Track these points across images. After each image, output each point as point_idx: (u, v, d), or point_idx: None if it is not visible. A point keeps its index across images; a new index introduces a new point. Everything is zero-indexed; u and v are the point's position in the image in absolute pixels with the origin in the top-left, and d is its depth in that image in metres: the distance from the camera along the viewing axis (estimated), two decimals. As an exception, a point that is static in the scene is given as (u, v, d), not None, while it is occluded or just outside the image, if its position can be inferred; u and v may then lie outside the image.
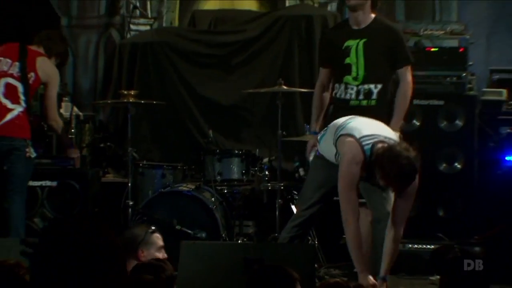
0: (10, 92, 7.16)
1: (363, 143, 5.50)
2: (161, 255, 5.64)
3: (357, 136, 5.55)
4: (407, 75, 6.57)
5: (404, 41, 6.83)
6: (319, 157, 6.26)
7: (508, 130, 8.09)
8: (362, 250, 6.10)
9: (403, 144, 5.54)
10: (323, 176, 6.20)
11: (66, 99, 8.94)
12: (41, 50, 7.36)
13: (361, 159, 5.55)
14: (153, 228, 5.91)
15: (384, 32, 6.51)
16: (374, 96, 6.45)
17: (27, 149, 7.14)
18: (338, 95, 6.59)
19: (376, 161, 5.45)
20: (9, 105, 7.16)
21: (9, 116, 7.14)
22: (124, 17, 9.79)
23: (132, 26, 9.71)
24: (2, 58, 7.27)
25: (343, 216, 5.84)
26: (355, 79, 6.52)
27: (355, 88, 6.52)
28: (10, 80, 7.17)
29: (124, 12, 9.81)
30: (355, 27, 6.59)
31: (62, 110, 8.77)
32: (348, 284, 3.85)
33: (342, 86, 6.58)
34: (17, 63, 7.19)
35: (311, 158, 6.66)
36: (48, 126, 7.48)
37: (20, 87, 7.17)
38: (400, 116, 6.53)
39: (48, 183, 8.03)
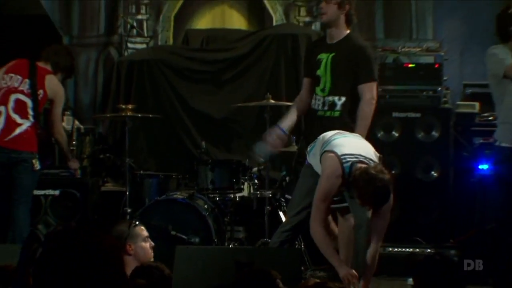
0: (20, 108, 7.17)
1: (344, 160, 5.54)
2: (148, 244, 5.64)
3: (339, 153, 5.60)
4: (367, 92, 6.51)
5: (370, 60, 6.77)
6: (308, 166, 6.27)
7: (481, 141, 8.08)
8: (331, 247, 6.13)
9: (379, 167, 5.59)
10: (311, 184, 6.13)
11: (68, 113, 8.99)
12: (48, 66, 7.35)
13: (340, 175, 5.61)
14: (135, 221, 5.95)
15: (352, 48, 6.48)
16: (338, 108, 6.44)
17: (33, 161, 7.19)
18: (311, 105, 6.64)
19: (353, 182, 5.52)
20: (18, 120, 7.17)
21: (18, 131, 7.16)
22: (122, 36, 9.81)
23: (129, 45, 9.73)
24: (13, 75, 7.27)
25: (311, 222, 5.90)
26: (322, 90, 6.54)
27: (321, 99, 6.54)
28: (20, 96, 7.17)
29: (122, 32, 9.83)
30: (328, 42, 6.62)
31: (64, 124, 8.77)
32: (328, 284, 3.80)
33: (314, 97, 6.63)
34: (27, 80, 7.19)
35: (265, 147, 6.76)
36: (54, 139, 7.48)
37: (29, 103, 7.18)
38: (360, 132, 6.49)
39: (51, 192, 8.05)
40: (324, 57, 6.56)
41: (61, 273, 2.45)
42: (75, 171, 7.68)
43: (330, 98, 6.52)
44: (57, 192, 8.08)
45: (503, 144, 6.45)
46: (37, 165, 7.17)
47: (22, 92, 7.19)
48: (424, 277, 4.31)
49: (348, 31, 6.62)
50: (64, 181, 8.07)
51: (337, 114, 6.47)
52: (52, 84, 7.26)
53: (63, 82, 8.20)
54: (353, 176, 5.66)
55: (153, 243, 5.70)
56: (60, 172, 8.19)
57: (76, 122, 8.96)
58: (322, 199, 5.85)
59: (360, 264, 6.19)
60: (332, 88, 6.48)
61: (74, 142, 8.75)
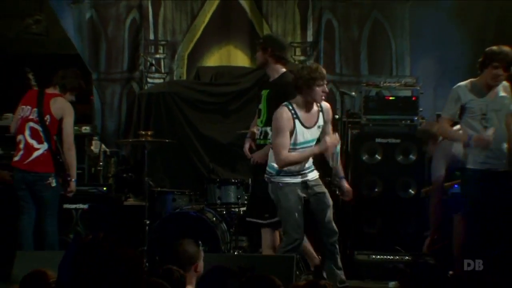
0: (34, 134, 7.19)
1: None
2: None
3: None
4: None
5: (289, 93, 6.67)
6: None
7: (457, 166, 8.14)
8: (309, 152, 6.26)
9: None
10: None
11: (96, 138, 9.01)
12: (56, 90, 7.28)
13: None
14: (200, 244, 5.93)
15: (283, 85, 6.45)
16: (269, 137, 6.45)
17: (50, 179, 7.22)
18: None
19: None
20: (35, 145, 7.19)
21: (35, 154, 7.17)
22: (142, 72, 9.77)
23: (148, 80, 9.70)
24: (24, 106, 7.30)
25: (278, 157, 6.09)
26: (261, 122, 6.63)
27: (260, 129, 6.64)
28: (32, 124, 7.18)
29: (142, 68, 9.79)
30: (268, 80, 6.72)
31: (92, 147, 8.83)
32: (320, 282, 3.75)
33: (257, 128, 6.77)
34: (35, 109, 7.18)
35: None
36: (63, 151, 7.29)
37: (40, 129, 7.19)
38: None
39: (81, 205, 8.07)
40: (264, 93, 6.65)
41: (89, 276, 2.46)
42: (69, 192, 7.38)
43: (264, 128, 6.59)
44: (86, 206, 8.14)
45: (468, 166, 6.52)
46: (53, 182, 7.19)
47: (33, 120, 7.19)
48: (410, 280, 4.33)
49: (283, 70, 6.63)
50: (92, 197, 8.11)
51: (268, 142, 6.49)
52: (57, 105, 7.19)
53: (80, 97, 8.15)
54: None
55: None
56: (89, 189, 8.22)
57: (103, 146, 9.01)
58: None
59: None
60: (267, 120, 6.52)
61: (101, 163, 8.80)
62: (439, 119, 6.81)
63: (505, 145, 6.44)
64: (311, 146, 6.26)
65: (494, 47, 6.40)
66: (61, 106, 7.22)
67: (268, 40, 7.24)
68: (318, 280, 3.98)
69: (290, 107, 6.19)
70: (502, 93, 6.49)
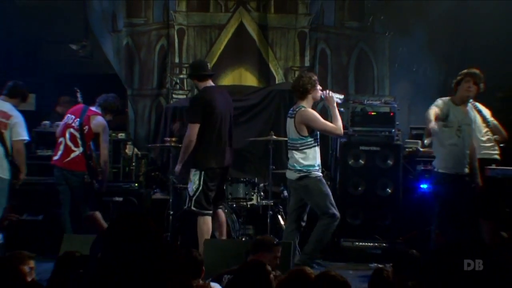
0: (73, 139, 7.31)
1: None
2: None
3: None
4: (188, 129, 6.74)
5: (190, 106, 7.02)
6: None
7: (422, 168, 8.17)
8: None
9: None
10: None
11: (129, 143, 9.05)
12: (98, 110, 7.48)
13: None
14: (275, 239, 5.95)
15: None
16: None
17: (85, 176, 7.29)
18: None
19: None
20: (72, 147, 7.32)
21: (72, 155, 7.33)
22: (169, 90, 9.78)
23: (174, 95, 9.72)
24: (69, 115, 7.43)
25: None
26: None
27: None
28: (72, 130, 7.34)
29: (169, 86, 9.79)
30: None
31: (126, 150, 8.88)
32: (330, 272, 3.60)
33: None
34: (77, 119, 7.33)
35: None
36: (99, 161, 7.47)
37: (78, 135, 7.32)
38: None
39: (116, 198, 8.16)
40: None
41: (124, 246, 2.42)
42: (100, 187, 7.55)
43: None
44: (120, 199, 8.18)
45: (439, 170, 6.56)
46: (87, 179, 7.33)
47: (73, 127, 7.33)
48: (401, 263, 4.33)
49: (204, 85, 6.81)
50: (126, 191, 8.18)
51: None
52: (95, 122, 7.37)
53: (117, 117, 8.22)
54: None
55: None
56: (123, 185, 8.29)
57: (135, 150, 9.05)
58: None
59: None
60: None
61: (133, 164, 8.84)
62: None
63: (467, 153, 6.51)
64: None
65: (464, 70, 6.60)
66: (99, 124, 7.39)
67: (189, 69, 7.35)
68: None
69: (304, 108, 6.57)
70: (471, 112, 6.60)
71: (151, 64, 9.90)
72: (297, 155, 6.71)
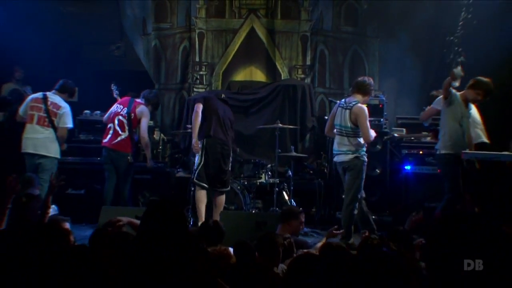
0: (120, 124, 7.37)
1: None
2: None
3: None
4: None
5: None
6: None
7: (406, 152, 8.16)
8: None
9: None
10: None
11: (157, 129, 9.08)
12: (142, 101, 7.56)
13: None
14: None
15: None
16: None
17: (128, 157, 7.32)
18: None
19: None
20: (120, 132, 7.37)
21: (119, 138, 7.37)
22: (190, 84, 9.76)
23: (194, 89, 9.71)
24: (118, 105, 7.50)
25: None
26: None
27: None
28: (120, 117, 7.40)
29: (190, 81, 9.78)
30: None
31: (154, 136, 8.89)
32: (347, 248, 3.59)
33: None
34: (125, 108, 7.39)
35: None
36: (140, 140, 7.56)
37: (125, 122, 7.36)
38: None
39: (146, 176, 8.19)
40: None
41: (158, 225, 2.51)
42: (150, 166, 7.75)
43: None
44: (149, 177, 8.22)
45: (442, 151, 6.40)
46: (131, 159, 7.35)
47: (122, 115, 7.38)
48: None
49: None
50: (154, 170, 8.18)
51: None
52: (140, 109, 7.44)
53: (155, 111, 8.28)
54: None
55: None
56: (153, 164, 8.30)
57: (162, 135, 9.07)
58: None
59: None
60: None
61: (160, 147, 8.86)
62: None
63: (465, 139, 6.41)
64: None
65: (483, 79, 6.35)
66: (142, 111, 7.48)
67: None
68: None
69: (360, 104, 6.43)
70: (471, 107, 6.53)
71: (175, 62, 9.89)
72: (353, 141, 6.51)
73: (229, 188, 7.30)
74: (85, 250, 3.05)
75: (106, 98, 7.88)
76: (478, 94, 6.37)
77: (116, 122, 7.37)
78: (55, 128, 7.10)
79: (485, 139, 6.82)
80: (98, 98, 8.05)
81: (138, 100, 7.58)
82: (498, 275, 2.37)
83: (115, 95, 7.74)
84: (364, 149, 6.56)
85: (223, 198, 7.19)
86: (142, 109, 7.45)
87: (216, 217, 6.60)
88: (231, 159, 7.31)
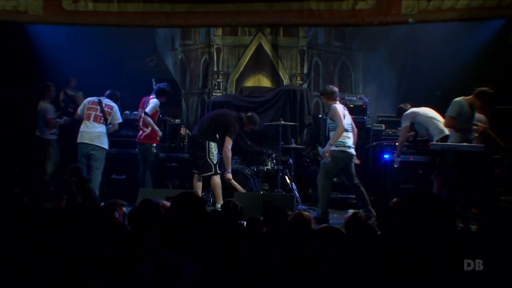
0: (144, 123, 7.30)
1: None
2: None
3: None
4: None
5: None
6: None
7: (385, 143, 8.08)
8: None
9: None
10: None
11: (183, 126, 9.08)
12: (153, 95, 7.43)
13: None
14: None
15: None
16: None
17: (152, 148, 7.27)
18: None
19: None
20: (144, 129, 7.32)
21: (143, 134, 7.32)
22: (210, 89, 9.71)
23: (213, 93, 9.66)
24: (140, 109, 7.44)
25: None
26: None
27: None
28: (142, 117, 7.33)
29: (210, 87, 9.72)
30: None
31: (181, 131, 8.90)
32: (302, 213, 3.58)
33: None
34: (141, 110, 7.40)
35: None
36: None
37: (148, 119, 7.28)
38: None
39: (174, 164, 8.19)
40: None
41: (183, 217, 2.37)
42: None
43: None
44: (177, 165, 8.21)
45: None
46: (154, 150, 7.28)
47: (141, 116, 7.34)
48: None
49: None
50: (181, 159, 8.21)
51: None
52: (153, 104, 7.29)
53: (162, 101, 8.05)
54: None
55: None
56: (178, 155, 8.31)
57: (187, 131, 9.04)
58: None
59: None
60: None
61: (185, 141, 8.85)
62: (448, 117, 6.07)
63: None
64: None
65: (486, 90, 6.01)
66: (154, 106, 7.33)
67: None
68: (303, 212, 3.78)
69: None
70: (476, 112, 6.27)
71: (197, 72, 9.84)
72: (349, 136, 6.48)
73: (207, 174, 7.03)
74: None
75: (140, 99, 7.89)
76: (479, 104, 6.08)
77: (141, 121, 7.37)
78: (106, 124, 7.20)
79: (447, 132, 6.75)
80: (136, 101, 8.03)
81: (151, 96, 7.48)
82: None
83: (154, 87, 7.62)
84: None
85: (213, 180, 6.96)
86: (154, 104, 7.36)
87: (217, 198, 6.71)
88: (207, 149, 7.06)
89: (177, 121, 9.02)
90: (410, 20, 5.59)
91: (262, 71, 9.76)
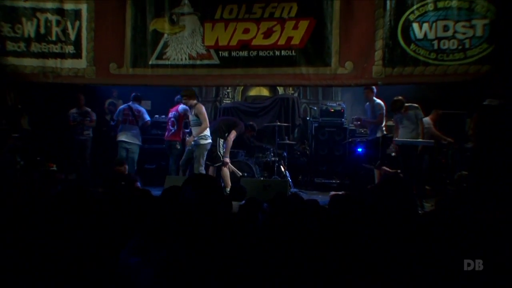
0: (172, 123, 7.11)
1: None
2: None
3: None
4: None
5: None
6: None
7: (358, 140, 7.90)
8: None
9: None
10: None
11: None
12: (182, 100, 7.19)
13: None
14: None
15: None
16: None
17: (177, 145, 7.11)
18: None
19: None
20: (170, 127, 7.08)
21: (171, 132, 7.07)
22: (221, 98, 9.58)
23: (224, 101, 9.52)
24: (171, 112, 7.20)
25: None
26: None
27: None
28: (172, 119, 7.10)
29: (221, 96, 9.60)
30: None
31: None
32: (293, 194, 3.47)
33: None
34: (173, 112, 7.14)
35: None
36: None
37: (174, 121, 7.08)
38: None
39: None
40: None
41: (201, 197, 2.03)
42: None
43: None
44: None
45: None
46: (178, 146, 7.06)
47: (172, 117, 7.11)
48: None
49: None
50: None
51: None
52: (180, 108, 7.08)
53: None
54: None
55: None
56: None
57: (203, 130, 8.87)
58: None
59: None
60: None
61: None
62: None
63: None
64: None
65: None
66: (184, 110, 7.11)
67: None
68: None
69: None
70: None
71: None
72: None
73: (217, 164, 6.85)
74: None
75: (169, 106, 7.72)
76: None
77: (169, 123, 7.19)
78: (137, 124, 7.21)
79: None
80: (165, 107, 7.90)
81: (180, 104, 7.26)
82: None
83: (179, 96, 7.36)
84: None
85: (222, 170, 6.76)
86: (181, 107, 7.16)
87: (226, 184, 6.50)
88: (217, 144, 6.92)
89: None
90: (379, 82, 5.63)
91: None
